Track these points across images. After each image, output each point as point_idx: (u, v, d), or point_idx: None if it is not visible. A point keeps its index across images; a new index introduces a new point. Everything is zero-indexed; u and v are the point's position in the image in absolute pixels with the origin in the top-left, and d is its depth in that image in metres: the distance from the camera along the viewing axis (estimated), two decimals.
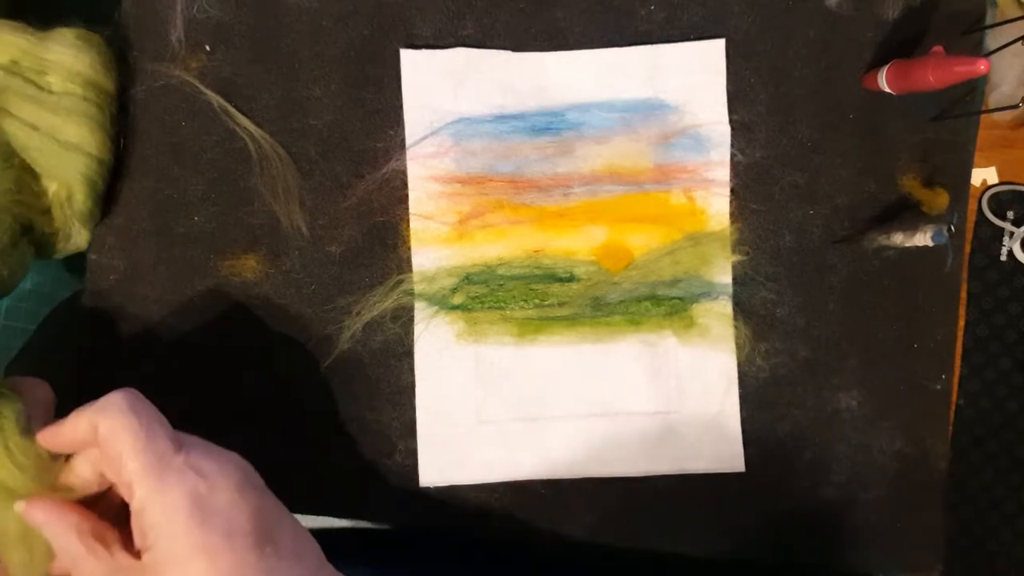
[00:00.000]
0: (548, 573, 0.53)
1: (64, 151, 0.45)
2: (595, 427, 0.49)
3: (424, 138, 0.49)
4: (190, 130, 0.49)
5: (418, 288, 0.49)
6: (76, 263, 0.51)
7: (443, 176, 0.49)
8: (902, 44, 0.49)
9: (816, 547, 0.49)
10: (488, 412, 0.49)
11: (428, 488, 0.49)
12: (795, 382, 0.50)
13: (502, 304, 0.49)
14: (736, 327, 0.49)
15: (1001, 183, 0.51)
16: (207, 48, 0.49)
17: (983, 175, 0.51)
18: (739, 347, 0.49)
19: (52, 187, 0.46)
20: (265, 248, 0.49)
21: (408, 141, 0.49)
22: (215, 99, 0.49)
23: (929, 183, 0.49)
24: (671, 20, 0.50)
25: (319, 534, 0.40)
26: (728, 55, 0.49)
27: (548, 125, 0.49)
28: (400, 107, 0.49)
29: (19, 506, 0.38)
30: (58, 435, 0.38)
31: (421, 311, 0.49)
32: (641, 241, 0.50)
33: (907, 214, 0.49)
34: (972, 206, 0.51)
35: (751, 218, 0.50)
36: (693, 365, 0.49)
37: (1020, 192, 0.51)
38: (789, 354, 0.50)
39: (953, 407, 0.51)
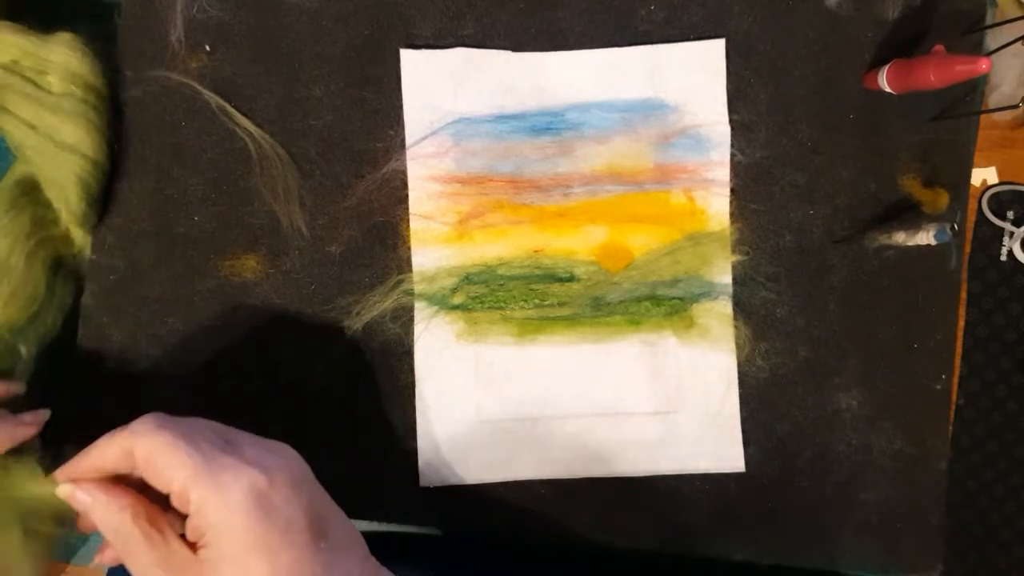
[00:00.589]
0: (548, 573, 0.53)
1: (60, 152, 0.45)
2: (595, 427, 0.49)
3: (424, 138, 0.49)
4: (190, 130, 0.49)
5: (418, 288, 0.49)
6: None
7: (443, 176, 0.49)
8: (902, 44, 0.49)
9: (816, 547, 0.49)
10: (488, 412, 0.49)
11: (428, 488, 0.49)
12: (795, 382, 0.50)
13: (502, 304, 0.49)
14: (736, 327, 0.49)
15: (1001, 183, 0.51)
16: (207, 48, 0.49)
17: (983, 175, 0.51)
18: (739, 347, 0.49)
19: (54, 197, 0.46)
20: (265, 248, 0.49)
21: (408, 141, 0.49)
22: (215, 99, 0.49)
23: (929, 183, 0.49)
24: (671, 20, 0.50)
25: None
26: (728, 55, 0.49)
27: (548, 125, 0.49)
28: (400, 107, 0.49)
29: (63, 489, 0.37)
30: (81, 464, 0.37)
31: (421, 311, 0.49)
32: (641, 241, 0.50)
33: (907, 214, 0.49)
34: (972, 206, 0.51)
35: (751, 218, 0.50)
36: (693, 365, 0.49)
37: (1020, 192, 0.51)
38: (789, 354, 0.50)
39: (953, 407, 0.51)
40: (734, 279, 0.50)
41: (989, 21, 0.50)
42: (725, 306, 0.49)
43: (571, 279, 0.49)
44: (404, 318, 0.49)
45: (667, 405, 0.49)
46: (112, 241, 0.49)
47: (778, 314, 0.50)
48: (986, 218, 0.51)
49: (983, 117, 0.50)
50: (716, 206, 0.50)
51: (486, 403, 0.49)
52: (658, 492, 0.49)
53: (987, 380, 0.51)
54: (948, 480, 0.50)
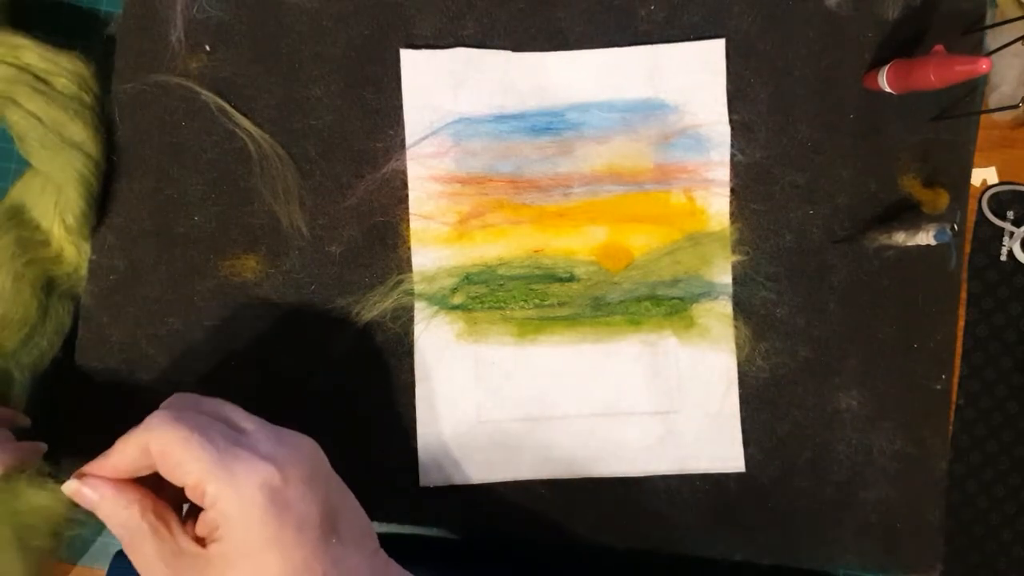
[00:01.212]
0: (549, 573, 0.53)
1: (65, 147, 0.45)
2: (595, 427, 0.49)
3: (424, 138, 0.49)
4: (190, 130, 0.49)
5: (418, 288, 0.49)
6: None
7: (443, 176, 0.49)
8: (902, 44, 0.49)
9: (816, 547, 0.49)
10: (488, 412, 0.49)
11: (428, 488, 0.49)
12: (795, 382, 0.50)
13: (502, 304, 0.49)
14: (736, 327, 0.49)
15: (1001, 183, 0.51)
16: (207, 48, 0.49)
17: (983, 175, 0.51)
18: (739, 347, 0.49)
19: (46, 218, 0.46)
20: (265, 248, 0.49)
21: (408, 141, 0.49)
22: (215, 99, 0.49)
23: (929, 183, 0.49)
24: (671, 20, 0.50)
25: None
26: (728, 55, 0.49)
27: (548, 125, 0.49)
28: (400, 107, 0.49)
29: (69, 486, 0.36)
30: (104, 466, 0.36)
31: (421, 311, 0.49)
32: (641, 241, 0.50)
33: (907, 214, 0.49)
34: (972, 206, 0.51)
35: (751, 218, 0.50)
36: (693, 365, 0.49)
37: (1020, 192, 0.51)
38: (789, 354, 0.50)
39: (953, 407, 0.51)
40: (734, 279, 0.50)
41: (989, 21, 0.50)
42: (725, 306, 0.49)
43: (571, 279, 0.49)
44: (404, 318, 0.49)
45: (667, 405, 0.49)
46: (112, 241, 0.49)
47: (778, 314, 0.50)
48: (986, 218, 0.51)
49: (983, 117, 0.50)
50: (716, 206, 0.50)
51: (486, 403, 0.49)
52: (658, 492, 0.49)
53: (987, 380, 0.51)
54: (948, 480, 0.50)
